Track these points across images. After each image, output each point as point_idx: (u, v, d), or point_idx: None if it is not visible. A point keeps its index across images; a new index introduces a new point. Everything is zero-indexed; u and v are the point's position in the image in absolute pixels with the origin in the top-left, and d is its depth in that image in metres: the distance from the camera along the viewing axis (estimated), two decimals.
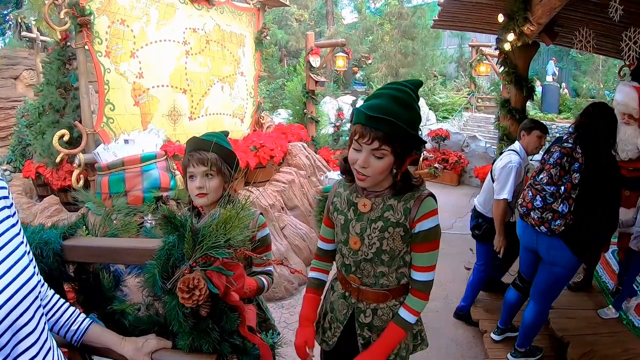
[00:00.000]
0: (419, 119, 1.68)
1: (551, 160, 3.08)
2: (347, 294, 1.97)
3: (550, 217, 3.01)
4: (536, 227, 3.12)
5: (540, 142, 4.01)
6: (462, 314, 4.56)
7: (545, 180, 3.07)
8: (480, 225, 4.27)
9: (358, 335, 1.93)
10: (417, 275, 1.83)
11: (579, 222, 2.97)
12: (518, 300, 3.66)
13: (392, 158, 1.64)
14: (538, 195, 3.09)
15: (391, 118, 1.55)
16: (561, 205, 2.97)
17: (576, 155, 2.98)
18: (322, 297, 2.17)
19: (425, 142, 1.73)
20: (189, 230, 1.28)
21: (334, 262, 2.11)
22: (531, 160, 4.25)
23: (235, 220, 1.28)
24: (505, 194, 3.83)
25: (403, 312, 1.83)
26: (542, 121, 4.19)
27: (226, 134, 2.36)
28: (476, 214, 4.36)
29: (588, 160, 2.94)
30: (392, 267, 1.83)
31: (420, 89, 1.78)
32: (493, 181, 4.05)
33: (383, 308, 1.89)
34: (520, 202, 3.30)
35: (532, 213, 3.13)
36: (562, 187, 2.98)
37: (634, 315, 3.85)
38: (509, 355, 3.58)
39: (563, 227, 2.97)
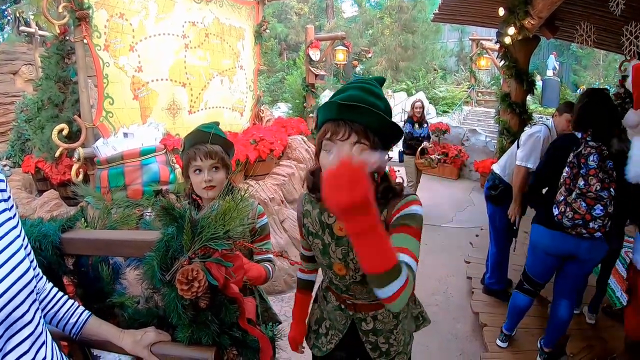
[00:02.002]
0: (391, 113, 1.50)
1: (592, 164, 2.88)
2: (342, 306, 1.92)
3: (607, 221, 2.85)
4: (586, 234, 2.91)
5: (569, 126, 3.89)
6: (492, 290, 4.64)
7: (598, 187, 2.84)
8: (497, 186, 4.31)
9: (365, 341, 1.90)
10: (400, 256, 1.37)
11: (615, 216, 2.88)
12: (529, 305, 3.52)
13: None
14: (598, 205, 2.84)
15: (369, 107, 1.38)
16: (612, 207, 2.83)
17: (604, 152, 2.87)
18: (313, 301, 2.19)
19: (402, 134, 1.50)
20: (188, 222, 1.27)
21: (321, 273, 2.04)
22: None
23: (235, 212, 1.28)
24: (530, 163, 3.85)
25: (403, 269, 1.27)
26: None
27: (217, 124, 2.34)
28: (493, 176, 4.38)
29: (613, 153, 2.85)
30: None
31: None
32: (518, 147, 4.06)
33: (382, 313, 1.85)
34: (570, 216, 2.95)
35: (590, 224, 2.87)
36: (611, 189, 2.83)
37: None
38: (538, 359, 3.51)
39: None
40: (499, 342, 3.73)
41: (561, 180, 3.06)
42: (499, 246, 4.47)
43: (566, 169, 3.03)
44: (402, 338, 1.90)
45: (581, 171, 2.92)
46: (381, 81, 1.59)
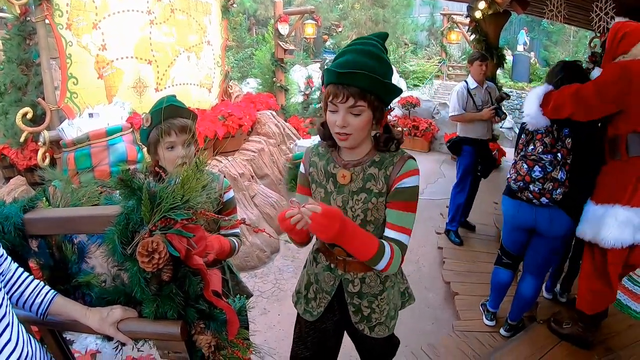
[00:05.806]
0: (390, 70, 1.62)
1: (541, 129, 2.95)
2: (332, 265, 1.94)
3: (551, 186, 2.85)
4: (535, 200, 2.95)
5: (482, 69, 4.86)
6: (447, 230, 5.45)
7: (540, 150, 2.91)
8: (454, 140, 5.26)
9: (348, 304, 1.95)
10: (390, 233, 1.72)
11: (575, 188, 2.88)
12: (510, 279, 3.52)
13: (370, 113, 1.60)
14: (536, 166, 2.89)
15: (363, 71, 1.50)
16: (560, 172, 2.83)
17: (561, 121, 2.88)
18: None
19: (401, 91, 1.67)
20: (146, 193, 1.26)
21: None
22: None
23: (193, 181, 1.27)
24: (451, 112, 5.02)
25: (386, 247, 1.66)
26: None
27: (174, 96, 2.19)
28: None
29: (574, 122, 2.83)
30: (377, 235, 1.75)
31: (391, 57, 1.74)
32: None
33: (370, 275, 1.90)
34: (514, 178, 3.04)
35: (531, 186, 2.93)
36: (559, 154, 2.84)
37: None
38: (502, 331, 3.53)
39: (561, 196, 2.87)
40: (486, 321, 3.70)
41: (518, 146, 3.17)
42: (462, 186, 5.21)
43: (522, 135, 3.14)
44: (385, 308, 1.95)
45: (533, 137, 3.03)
46: (384, 37, 1.68)
